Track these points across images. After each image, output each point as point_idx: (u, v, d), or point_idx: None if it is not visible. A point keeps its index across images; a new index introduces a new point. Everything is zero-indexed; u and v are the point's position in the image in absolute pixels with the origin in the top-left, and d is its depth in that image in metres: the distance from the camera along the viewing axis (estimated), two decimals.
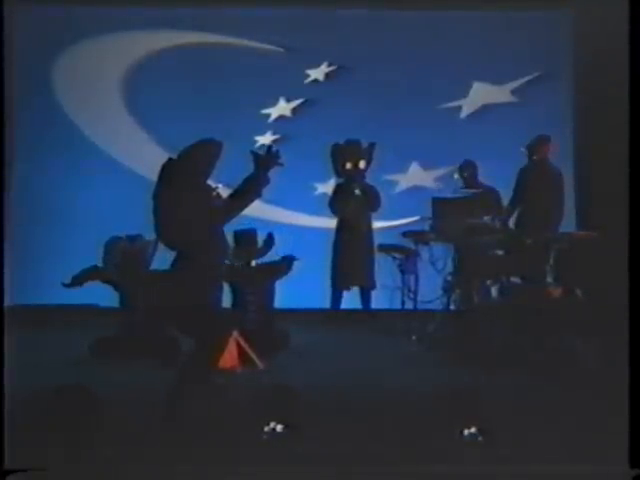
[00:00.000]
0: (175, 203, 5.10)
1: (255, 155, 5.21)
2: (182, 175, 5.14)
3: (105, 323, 6.99)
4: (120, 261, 7.06)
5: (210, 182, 5.36)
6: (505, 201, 8.18)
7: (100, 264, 7.15)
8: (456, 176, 8.34)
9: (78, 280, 7.00)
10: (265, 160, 5.18)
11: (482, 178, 8.34)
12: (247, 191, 5.17)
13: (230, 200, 5.21)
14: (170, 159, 5.26)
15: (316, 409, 4.97)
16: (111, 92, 9.21)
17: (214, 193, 5.33)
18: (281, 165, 5.22)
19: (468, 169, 8.31)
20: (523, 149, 7.90)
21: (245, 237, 7.12)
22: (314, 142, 8.65)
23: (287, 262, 7.29)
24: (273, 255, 7.32)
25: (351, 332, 7.97)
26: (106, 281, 7.01)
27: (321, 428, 4.76)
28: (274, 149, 5.28)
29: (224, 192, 5.39)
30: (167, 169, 5.20)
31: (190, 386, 5.10)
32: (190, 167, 5.17)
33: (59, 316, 7.71)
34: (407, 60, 9.06)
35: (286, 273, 7.29)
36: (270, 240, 7.23)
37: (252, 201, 5.21)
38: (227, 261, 5.52)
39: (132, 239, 7.10)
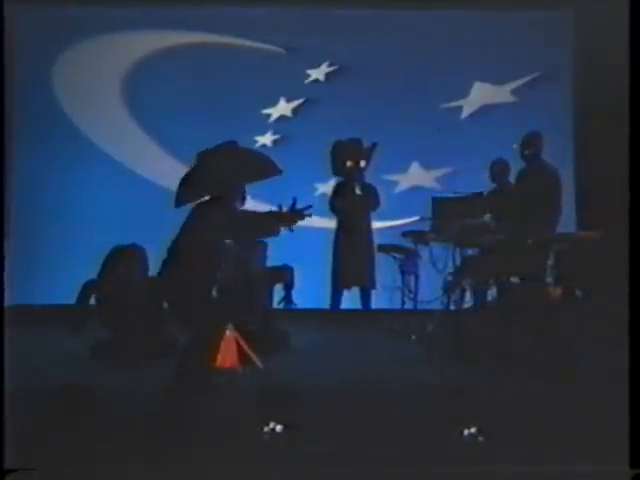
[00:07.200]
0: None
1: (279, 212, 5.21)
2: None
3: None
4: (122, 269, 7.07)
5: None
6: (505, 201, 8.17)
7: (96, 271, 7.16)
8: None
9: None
10: (289, 218, 5.18)
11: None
12: (264, 226, 5.20)
13: (248, 220, 5.22)
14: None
15: (316, 409, 4.97)
16: (111, 92, 9.21)
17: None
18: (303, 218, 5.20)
19: (499, 166, 8.18)
20: (515, 146, 7.78)
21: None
22: (314, 142, 8.66)
23: (289, 270, 7.28)
24: (274, 257, 7.32)
25: (351, 332, 7.97)
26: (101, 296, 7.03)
27: (321, 428, 4.75)
28: (298, 207, 5.24)
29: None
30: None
31: (189, 386, 5.11)
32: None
33: (59, 316, 7.69)
34: (407, 60, 9.06)
35: (287, 281, 7.27)
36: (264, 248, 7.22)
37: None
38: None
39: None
